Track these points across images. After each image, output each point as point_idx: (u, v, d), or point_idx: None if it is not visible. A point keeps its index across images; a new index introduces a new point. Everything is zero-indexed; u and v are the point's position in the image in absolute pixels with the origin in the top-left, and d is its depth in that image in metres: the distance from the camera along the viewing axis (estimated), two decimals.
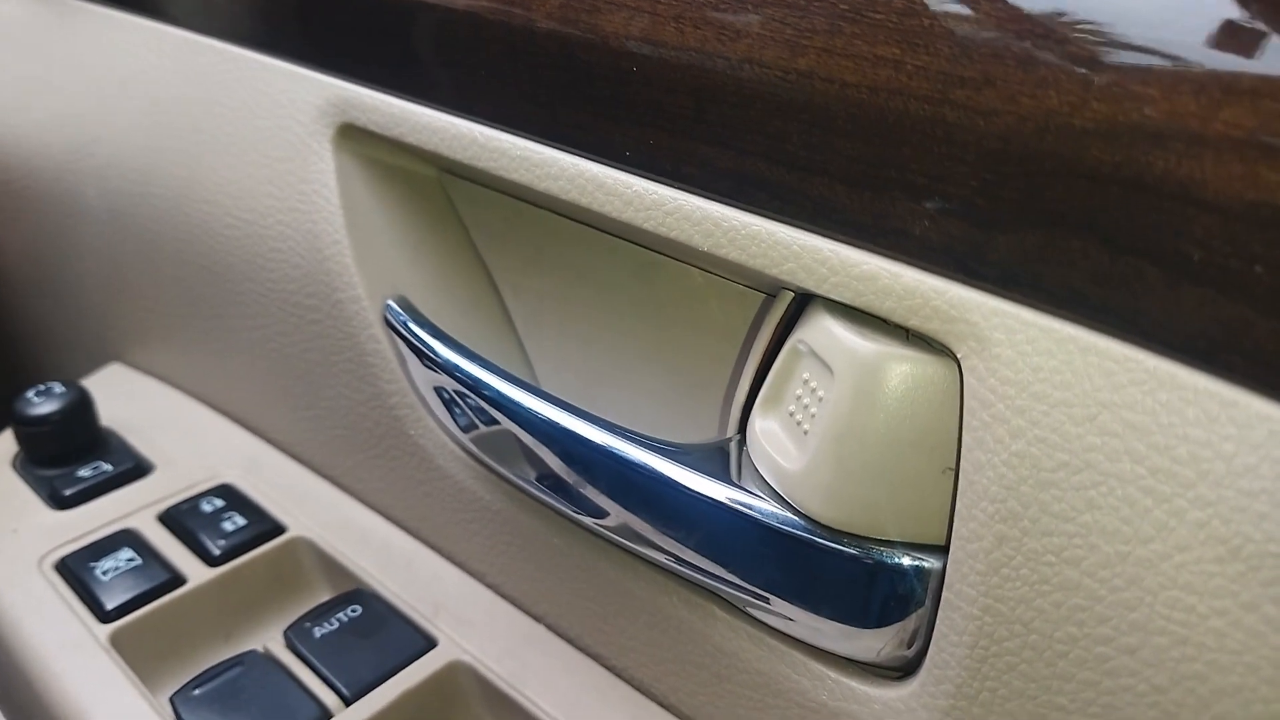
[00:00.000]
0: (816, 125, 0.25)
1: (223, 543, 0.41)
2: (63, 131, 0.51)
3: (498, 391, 0.33)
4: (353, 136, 0.38)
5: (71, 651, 0.37)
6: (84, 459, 0.46)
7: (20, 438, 0.47)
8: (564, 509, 0.33)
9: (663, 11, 0.28)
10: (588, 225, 0.35)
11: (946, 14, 0.23)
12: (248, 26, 0.41)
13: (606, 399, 0.36)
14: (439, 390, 0.36)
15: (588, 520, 0.32)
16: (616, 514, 0.31)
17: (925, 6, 0.23)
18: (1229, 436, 0.20)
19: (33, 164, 0.54)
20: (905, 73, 0.23)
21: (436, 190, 0.39)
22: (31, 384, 0.48)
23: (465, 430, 0.35)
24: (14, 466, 0.47)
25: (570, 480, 0.32)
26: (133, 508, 0.44)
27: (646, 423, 0.34)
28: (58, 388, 0.47)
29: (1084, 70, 0.21)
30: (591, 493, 0.31)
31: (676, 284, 0.34)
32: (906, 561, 0.26)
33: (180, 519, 0.43)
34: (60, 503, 0.44)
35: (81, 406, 0.47)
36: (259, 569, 0.41)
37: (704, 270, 0.33)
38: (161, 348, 0.52)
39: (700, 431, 0.34)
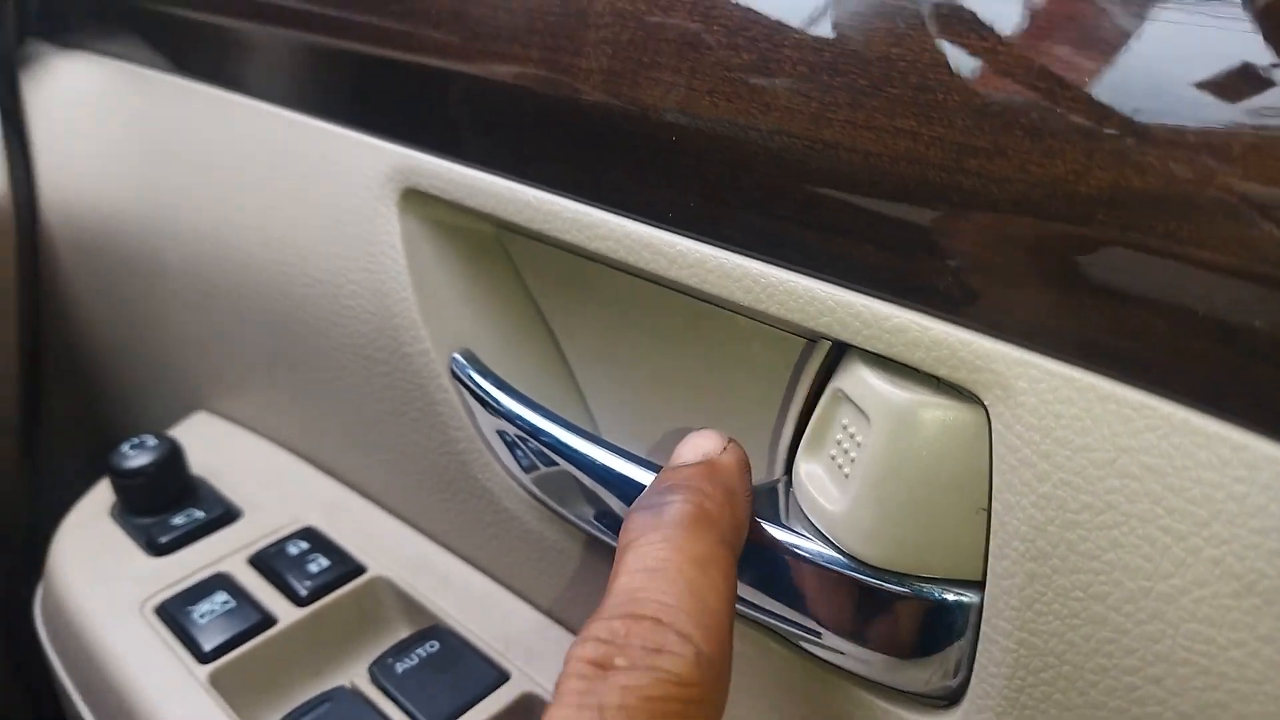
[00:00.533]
0: (844, 191, 0.27)
1: (309, 583, 0.44)
2: (145, 198, 0.55)
3: (556, 439, 0.35)
4: (416, 200, 0.40)
5: (175, 692, 0.40)
6: (177, 507, 0.49)
7: (117, 488, 0.50)
8: None
9: (698, 86, 0.29)
10: (638, 278, 0.37)
11: (960, 88, 0.24)
12: (317, 97, 0.44)
13: (662, 442, 0.38)
14: (503, 435, 0.38)
15: None
16: None
17: (940, 82, 0.24)
18: (1240, 478, 0.21)
19: (118, 228, 0.57)
20: (922, 143, 0.25)
21: (496, 247, 0.42)
22: (120, 432, 0.51)
23: (529, 474, 0.38)
24: (112, 516, 0.50)
25: None
26: (224, 552, 0.47)
27: None
28: (150, 440, 0.50)
29: (1087, 140, 0.22)
30: None
31: (723, 331, 0.36)
32: (948, 597, 0.27)
33: (269, 562, 0.45)
34: (157, 549, 0.47)
35: (173, 457, 0.50)
36: (343, 608, 0.44)
37: (748, 318, 0.34)
38: (244, 398, 0.55)
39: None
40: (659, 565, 0.25)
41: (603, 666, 0.23)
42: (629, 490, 0.33)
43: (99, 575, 0.46)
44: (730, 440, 0.30)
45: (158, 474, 0.49)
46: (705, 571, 0.25)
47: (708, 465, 0.28)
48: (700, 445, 0.29)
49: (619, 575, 0.25)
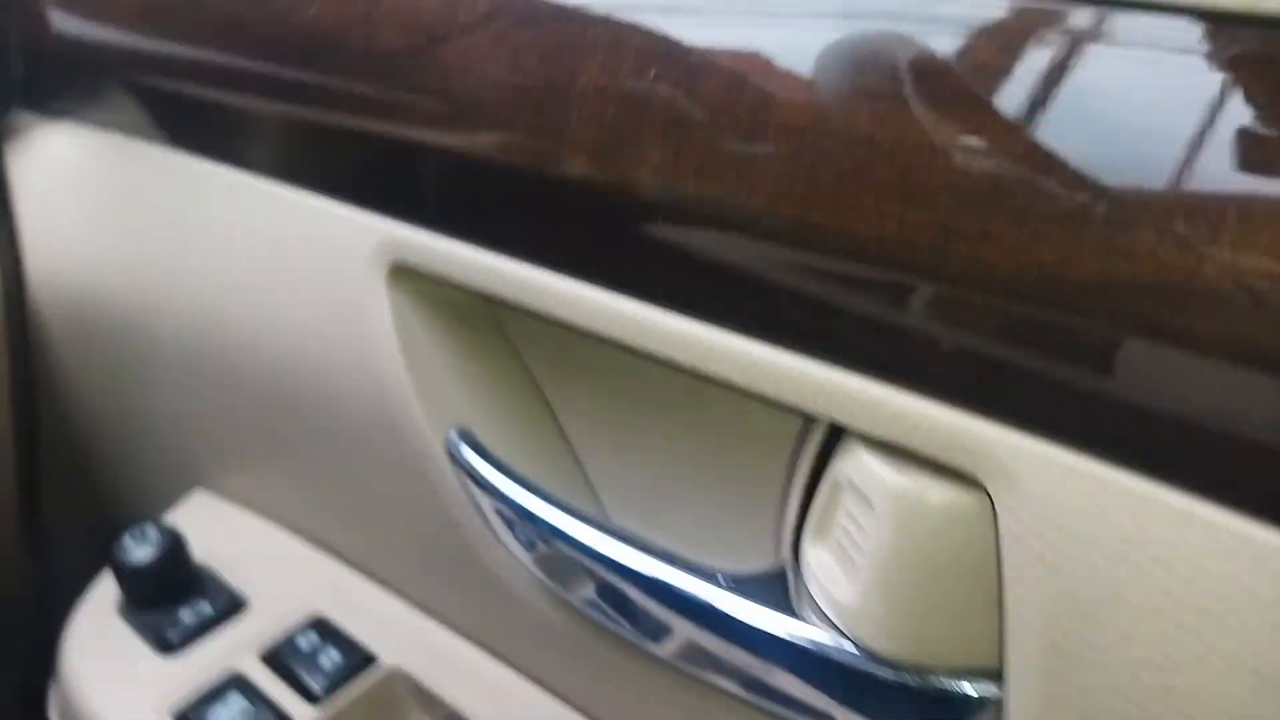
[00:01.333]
0: (834, 272, 0.26)
1: (321, 679, 0.44)
2: (133, 272, 0.54)
3: (557, 526, 0.35)
4: (405, 274, 0.40)
5: None
6: (182, 599, 0.49)
7: (122, 584, 0.49)
8: (633, 638, 0.34)
9: (684, 166, 0.29)
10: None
11: (944, 170, 0.24)
12: (303, 170, 0.43)
13: (666, 520, 0.38)
14: (505, 519, 0.38)
15: (657, 649, 0.33)
16: (682, 643, 0.32)
17: (925, 162, 0.24)
18: (1249, 569, 0.21)
19: (107, 303, 0.57)
20: (909, 226, 0.24)
21: (490, 320, 0.41)
22: (120, 508, 0.50)
23: (534, 560, 0.37)
24: (120, 612, 0.49)
25: (635, 610, 0.33)
26: (235, 647, 0.46)
27: (705, 544, 0.35)
28: (151, 531, 0.49)
29: (1073, 225, 0.22)
30: (656, 623, 0.32)
31: (724, 405, 0.35)
32: (969, 691, 0.26)
33: (281, 658, 0.45)
34: (167, 647, 0.47)
35: (175, 550, 0.49)
36: (358, 703, 0.43)
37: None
38: (241, 476, 0.55)
39: (757, 551, 0.35)
40: None
41: None
42: (635, 578, 0.33)
43: (112, 677, 0.46)
44: None
45: (161, 569, 0.48)
46: None
47: None
48: None
49: None
